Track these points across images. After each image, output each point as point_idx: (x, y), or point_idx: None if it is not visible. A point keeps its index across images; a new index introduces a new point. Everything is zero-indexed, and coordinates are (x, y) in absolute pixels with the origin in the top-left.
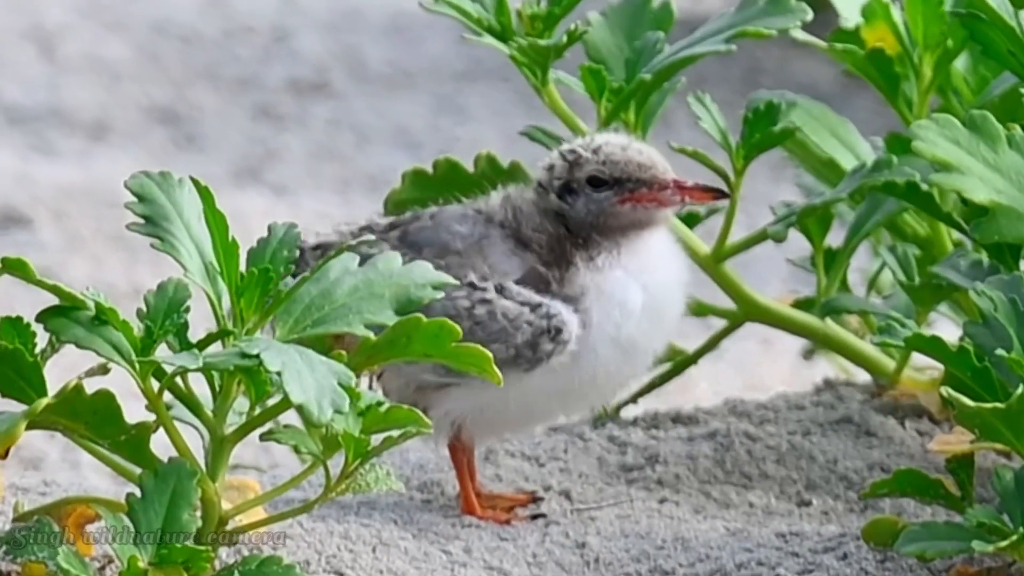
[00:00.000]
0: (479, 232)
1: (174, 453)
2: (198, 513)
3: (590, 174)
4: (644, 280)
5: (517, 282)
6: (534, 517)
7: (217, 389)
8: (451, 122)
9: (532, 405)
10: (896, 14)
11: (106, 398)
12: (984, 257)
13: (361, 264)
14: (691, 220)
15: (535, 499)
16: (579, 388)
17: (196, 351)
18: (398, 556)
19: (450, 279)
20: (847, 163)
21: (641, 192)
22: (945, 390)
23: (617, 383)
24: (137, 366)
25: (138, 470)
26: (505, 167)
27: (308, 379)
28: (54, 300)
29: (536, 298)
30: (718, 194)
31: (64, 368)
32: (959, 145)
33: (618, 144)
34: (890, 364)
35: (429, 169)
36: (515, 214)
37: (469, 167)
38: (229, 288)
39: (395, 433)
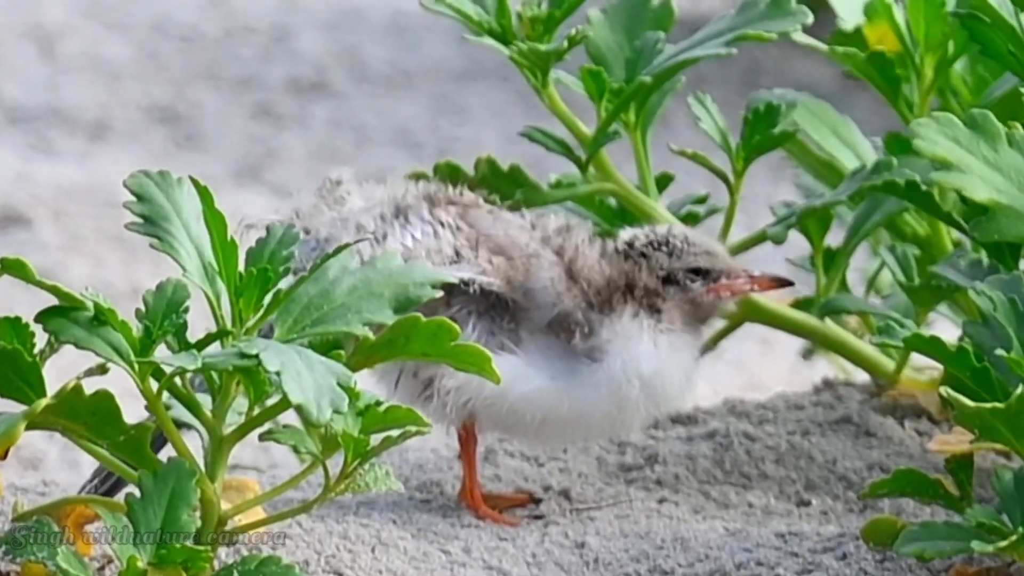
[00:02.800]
0: (533, 249)
1: (173, 453)
2: (197, 513)
3: (691, 265)
4: (660, 366)
5: (547, 324)
6: (535, 518)
7: (216, 389)
8: (451, 122)
9: (546, 420)
10: (898, 14)
11: (105, 398)
12: (984, 257)
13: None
14: (690, 220)
15: (534, 500)
16: (563, 414)
17: (195, 351)
18: (397, 556)
19: (450, 277)
20: (848, 162)
21: (722, 283)
22: (944, 390)
23: (589, 429)
24: (136, 366)
25: (137, 470)
26: (505, 170)
27: (307, 379)
28: (53, 300)
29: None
30: (784, 284)
31: (63, 368)
32: (959, 144)
33: (696, 234)
34: (889, 364)
35: (429, 172)
36: (575, 249)
37: (469, 170)
38: (228, 288)
39: (394, 433)
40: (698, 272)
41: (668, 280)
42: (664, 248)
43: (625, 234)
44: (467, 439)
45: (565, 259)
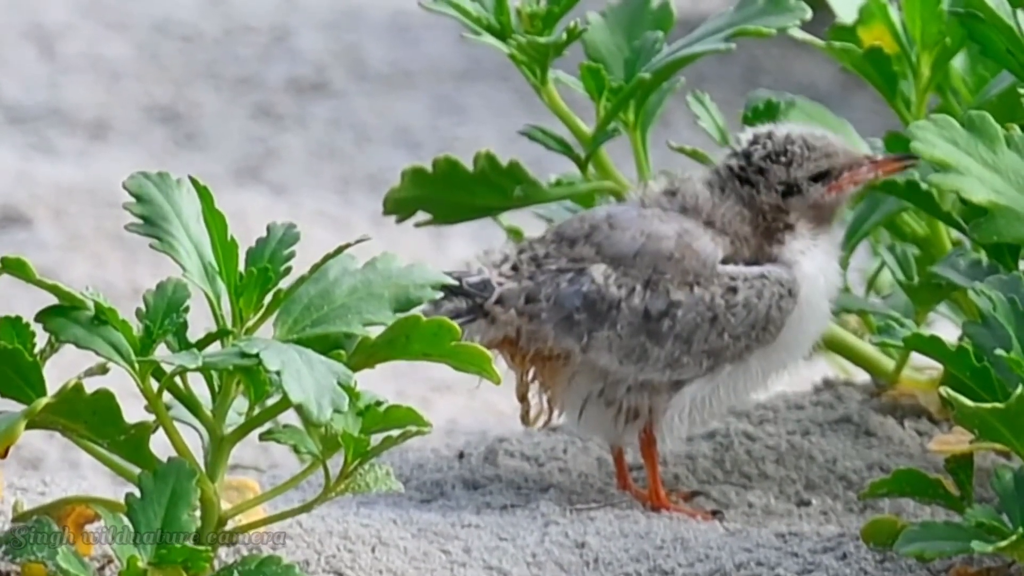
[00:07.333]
0: (680, 227)
1: (173, 453)
2: (197, 513)
3: (813, 171)
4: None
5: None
6: (714, 513)
7: (216, 389)
8: (451, 121)
9: (746, 386)
10: (894, 14)
11: (105, 398)
12: (983, 257)
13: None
14: None
15: (714, 514)
16: (779, 361)
17: (195, 351)
18: (397, 556)
19: (449, 279)
20: None
21: (843, 178)
22: (944, 390)
23: (800, 353)
24: (136, 366)
25: (137, 470)
26: (504, 166)
27: (307, 378)
28: (53, 300)
29: (756, 269)
30: (909, 160)
31: (63, 368)
32: (958, 146)
33: (815, 134)
34: (889, 364)
35: (428, 168)
36: (696, 202)
37: (469, 166)
38: (228, 288)
39: (394, 433)
40: (819, 176)
41: (789, 191)
42: (783, 158)
43: (745, 135)
44: (648, 441)
45: (699, 217)
